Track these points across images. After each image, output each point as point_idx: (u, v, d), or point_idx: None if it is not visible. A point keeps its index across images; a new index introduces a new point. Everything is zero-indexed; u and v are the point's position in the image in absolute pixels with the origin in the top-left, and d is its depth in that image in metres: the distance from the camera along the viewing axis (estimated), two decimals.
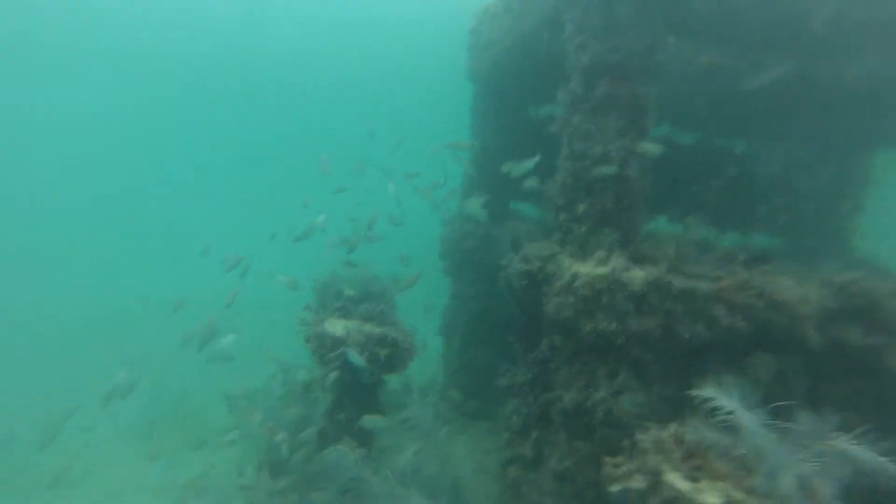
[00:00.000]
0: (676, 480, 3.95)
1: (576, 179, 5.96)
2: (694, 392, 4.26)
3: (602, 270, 5.37)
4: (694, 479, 3.98)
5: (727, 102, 8.45)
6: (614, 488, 4.40)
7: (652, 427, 4.62)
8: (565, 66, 6.39)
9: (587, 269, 5.44)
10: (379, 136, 16.79)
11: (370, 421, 6.44)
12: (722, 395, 4.05)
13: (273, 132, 59.01)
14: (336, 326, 7.03)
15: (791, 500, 3.49)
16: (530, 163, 7.27)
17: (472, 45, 10.28)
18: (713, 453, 4.05)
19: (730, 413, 3.89)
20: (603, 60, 5.70)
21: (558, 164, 6.27)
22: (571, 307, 5.39)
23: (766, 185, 9.02)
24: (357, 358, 6.33)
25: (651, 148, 5.63)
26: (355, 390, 6.86)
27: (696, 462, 4.05)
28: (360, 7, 44.52)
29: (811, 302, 5.53)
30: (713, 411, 4.22)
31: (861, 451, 3.65)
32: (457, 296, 10.47)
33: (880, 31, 6.14)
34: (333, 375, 6.57)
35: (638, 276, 5.29)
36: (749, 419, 3.78)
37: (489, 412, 9.12)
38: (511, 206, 10.94)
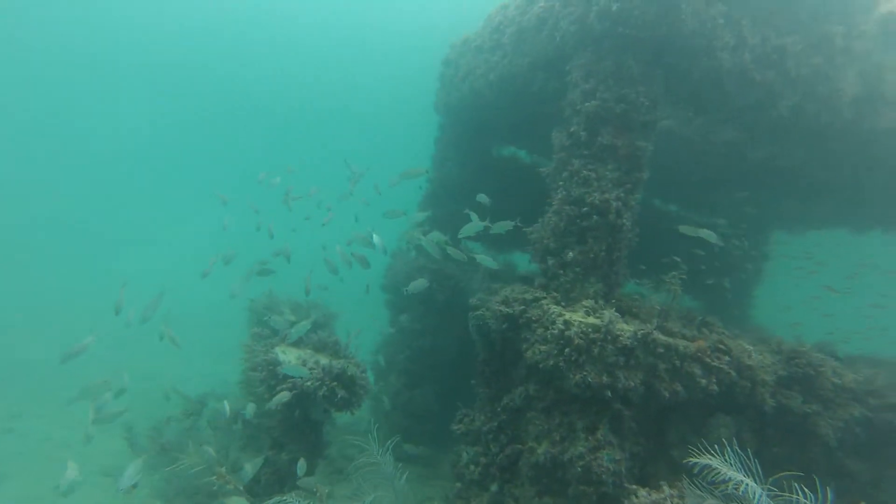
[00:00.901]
0: None
1: (569, 224, 5.85)
2: (693, 460, 4.17)
3: (595, 321, 5.24)
4: None
5: (675, 168, 9.01)
6: None
7: (640, 491, 4.45)
8: (561, 108, 6.40)
9: (579, 317, 5.28)
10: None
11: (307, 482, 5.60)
12: (724, 464, 3.99)
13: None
14: (289, 355, 6.24)
15: None
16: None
17: (445, 76, 10.14)
18: None
19: (734, 483, 3.81)
20: (609, 109, 5.73)
21: (549, 208, 6.15)
22: (559, 356, 5.16)
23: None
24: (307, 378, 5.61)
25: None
26: (301, 427, 6.06)
27: None
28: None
29: (769, 368, 5.81)
30: (702, 476, 4.18)
31: None
32: (400, 331, 9.92)
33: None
34: (279, 410, 5.75)
35: (627, 329, 5.21)
36: (756, 492, 3.71)
37: (427, 457, 8.56)
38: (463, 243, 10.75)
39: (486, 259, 6.92)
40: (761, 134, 7.07)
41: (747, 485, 3.81)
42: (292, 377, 5.79)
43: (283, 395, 5.60)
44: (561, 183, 5.99)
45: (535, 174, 10.95)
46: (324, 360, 6.17)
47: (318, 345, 6.81)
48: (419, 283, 7.54)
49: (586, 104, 5.81)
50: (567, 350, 5.09)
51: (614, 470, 5.07)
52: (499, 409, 6.10)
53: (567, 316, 5.28)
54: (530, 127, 9.34)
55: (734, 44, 5.84)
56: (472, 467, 6.19)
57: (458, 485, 6.41)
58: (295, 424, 5.99)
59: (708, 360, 5.42)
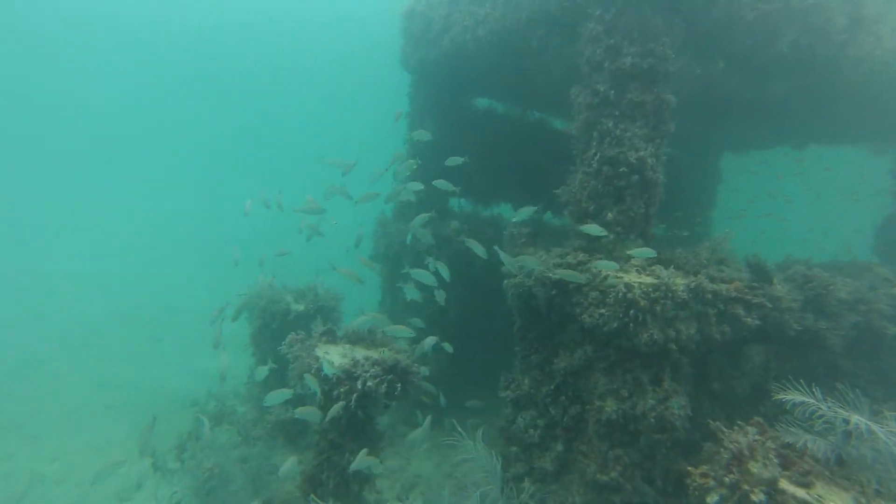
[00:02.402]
0: (796, 490, 4.11)
1: (606, 185, 5.85)
2: (786, 396, 4.51)
3: (652, 279, 5.38)
4: (806, 486, 4.20)
5: None
6: (711, 499, 4.45)
7: (727, 432, 4.79)
8: (576, 64, 6.24)
9: (637, 278, 5.40)
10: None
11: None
12: (816, 399, 4.34)
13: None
14: (333, 354, 5.96)
15: None
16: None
17: (410, 31, 9.51)
18: (809, 458, 4.34)
19: (843, 420, 4.15)
20: (636, 65, 5.64)
21: (582, 168, 6.09)
22: (624, 317, 5.28)
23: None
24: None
25: None
26: (361, 426, 5.91)
27: (801, 468, 4.28)
28: None
29: (793, 296, 6.31)
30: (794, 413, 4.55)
31: None
32: (401, 302, 9.73)
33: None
34: (338, 411, 5.54)
35: (681, 283, 5.41)
36: (875, 427, 4.07)
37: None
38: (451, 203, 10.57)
39: (476, 245, 6.75)
40: (753, 69, 7.27)
41: (853, 420, 4.15)
42: (347, 379, 5.57)
43: (339, 406, 5.41)
44: (593, 144, 5.92)
45: (510, 125, 10.89)
46: (371, 354, 5.97)
47: (353, 337, 6.55)
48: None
49: (614, 62, 5.67)
50: (632, 311, 5.22)
51: (683, 415, 5.41)
52: (552, 372, 6.24)
53: (626, 278, 5.38)
54: (514, 80, 9.10)
55: None
56: (530, 431, 6.38)
57: (514, 449, 6.61)
58: (353, 424, 5.83)
59: (748, 297, 5.78)
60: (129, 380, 11.80)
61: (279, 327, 7.83)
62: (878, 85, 7.87)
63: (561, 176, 6.40)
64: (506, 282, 6.59)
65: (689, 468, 4.74)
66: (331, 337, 6.39)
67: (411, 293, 7.54)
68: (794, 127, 9.85)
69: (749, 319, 5.70)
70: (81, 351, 13.18)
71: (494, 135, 10.43)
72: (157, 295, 19.41)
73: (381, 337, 6.63)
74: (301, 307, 7.94)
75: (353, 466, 5.46)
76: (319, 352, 5.98)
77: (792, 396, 4.52)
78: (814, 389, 4.61)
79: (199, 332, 15.83)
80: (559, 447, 6.12)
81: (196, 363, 12.97)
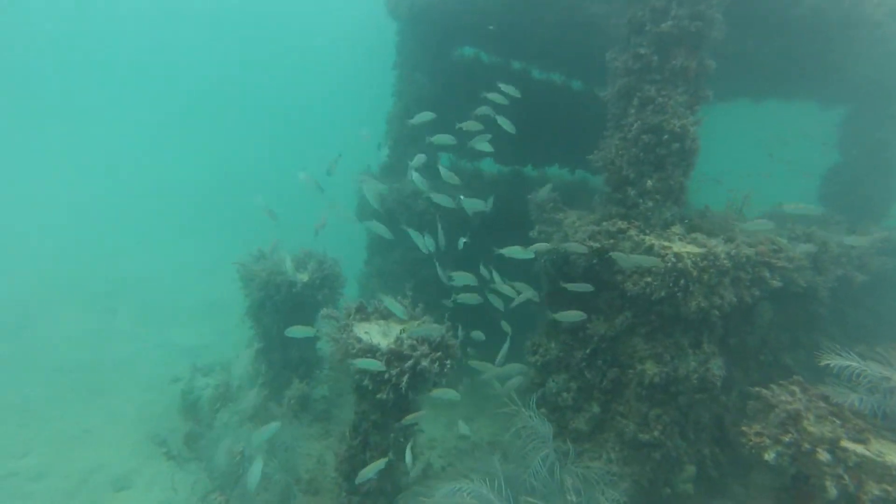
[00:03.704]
0: (855, 447, 4.47)
1: (647, 153, 5.78)
2: (831, 361, 4.85)
3: (698, 249, 5.49)
4: (863, 442, 4.58)
5: None
6: (768, 455, 4.79)
7: (776, 391, 5.11)
8: (612, 25, 5.98)
9: (685, 248, 5.48)
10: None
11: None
12: (858, 362, 4.70)
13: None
14: (373, 334, 5.68)
15: None
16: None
17: None
18: (861, 416, 4.73)
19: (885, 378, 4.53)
20: (683, 28, 5.47)
21: (619, 134, 5.96)
22: (674, 287, 5.39)
23: None
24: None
25: None
26: (402, 408, 5.77)
27: (856, 425, 4.65)
28: None
29: (803, 256, 6.71)
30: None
31: None
32: (400, 261, 9.45)
33: None
34: (388, 397, 5.36)
35: (722, 250, 5.57)
36: None
37: None
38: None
39: (472, 202, 6.54)
40: (770, 28, 7.33)
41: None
42: (396, 360, 5.36)
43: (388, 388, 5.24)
44: (633, 111, 5.78)
45: (496, 76, 10.46)
46: (418, 330, 5.75)
47: (385, 311, 6.27)
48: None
49: (659, 24, 5.47)
50: (683, 281, 5.33)
51: (721, 375, 5.73)
52: (585, 337, 6.34)
53: (675, 248, 5.45)
54: (511, 29, 8.66)
55: None
56: (564, 395, 6.53)
57: (543, 410, 6.77)
58: (399, 404, 5.68)
59: (773, 260, 6.08)
60: (89, 360, 10.78)
61: (283, 299, 7.34)
62: (863, 45, 8.26)
63: (551, 127, 6.19)
64: (537, 246, 6.50)
65: (744, 427, 5.05)
66: (364, 314, 6.08)
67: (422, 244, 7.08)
68: (780, 81, 10.18)
69: (774, 281, 6.01)
70: (23, 333, 11.81)
71: (480, 84, 10.03)
72: (103, 263, 17.61)
73: (412, 309, 6.40)
74: (305, 277, 7.45)
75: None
76: (359, 331, 5.68)
77: (837, 361, 4.86)
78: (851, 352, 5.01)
79: (157, 300, 14.77)
80: (595, 409, 6.33)
81: (161, 335, 12.05)
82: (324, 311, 5.85)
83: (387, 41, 9.72)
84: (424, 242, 6.81)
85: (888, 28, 7.76)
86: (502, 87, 6.40)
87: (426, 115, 6.08)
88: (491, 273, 6.04)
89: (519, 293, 5.87)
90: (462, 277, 6.02)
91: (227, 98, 52.85)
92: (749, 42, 7.76)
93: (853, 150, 11.50)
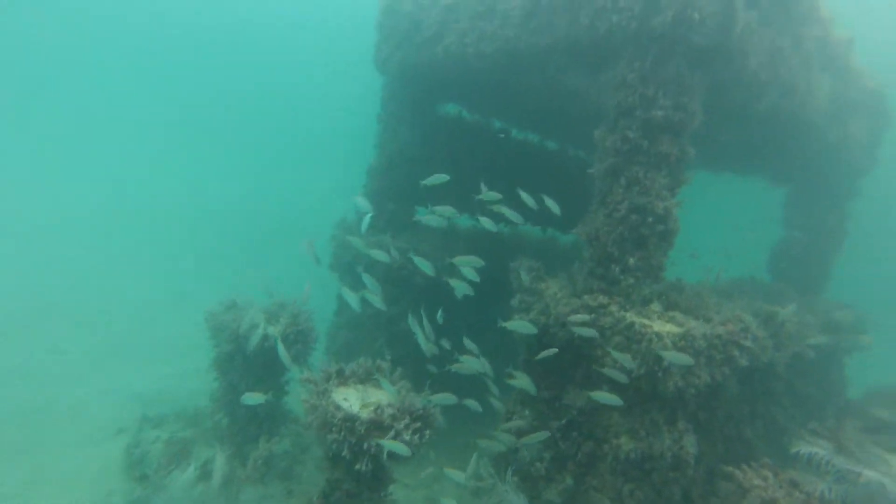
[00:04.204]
0: None
1: (631, 231, 6.00)
2: (800, 450, 5.05)
3: (676, 329, 5.66)
4: None
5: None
6: None
7: (748, 473, 5.25)
8: (603, 107, 6.29)
9: (665, 328, 5.65)
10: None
11: None
12: (829, 452, 4.92)
13: None
14: (351, 400, 5.48)
15: None
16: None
17: (391, 29, 8.88)
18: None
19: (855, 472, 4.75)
20: (669, 118, 5.81)
21: (604, 210, 6.17)
22: (651, 364, 5.51)
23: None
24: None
25: None
26: (377, 477, 5.56)
27: None
28: None
29: (766, 334, 7.05)
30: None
31: None
32: (372, 315, 9.26)
33: None
34: (366, 468, 5.15)
35: (699, 332, 5.77)
36: (885, 480, 4.69)
37: None
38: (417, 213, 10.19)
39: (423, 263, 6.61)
40: (732, 119, 7.89)
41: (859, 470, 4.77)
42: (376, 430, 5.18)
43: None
44: (620, 190, 6.02)
45: (476, 133, 10.72)
46: (398, 400, 5.60)
47: (363, 375, 6.09)
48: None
49: (648, 111, 5.79)
50: (653, 357, 5.47)
51: (694, 452, 5.84)
52: (561, 408, 6.36)
53: (655, 327, 5.61)
54: (501, 95, 8.95)
55: (760, 48, 6.26)
56: (537, 465, 6.47)
57: (515, 479, 6.67)
58: (376, 473, 5.47)
59: (741, 340, 6.34)
60: (23, 405, 9.73)
61: (255, 353, 7.02)
62: (805, 138, 9.08)
63: (525, 185, 6.29)
64: (517, 317, 6.55)
65: None
66: (342, 378, 5.88)
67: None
68: (737, 159, 10.91)
69: (743, 361, 6.26)
70: None
71: (461, 141, 10.27)
72: (63, 290, 16.31)
73: (388, 374, 6.24)
74: (278, 330, 7.17)
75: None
76: (337, 397, 5.47)
77: (808, 449, 5.08)
78: (822, 443, 5.25)
79: (116, 335, 13.77)
80: (569, 480, 6.29)
81: (114, 377, 11.15)
82: (304, 376, 5.60)
83: (370, 90, 9.85)
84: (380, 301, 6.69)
85: (823, 127, 8.61)
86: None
87: (440, 178, 6.10)
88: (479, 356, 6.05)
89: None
90: (470, 362, 5.99)
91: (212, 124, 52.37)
92: (714, 126, 8.31)
93: (794, 228, 12.38)
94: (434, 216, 6.93)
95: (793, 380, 8.71)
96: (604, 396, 5.42)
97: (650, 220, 5.92)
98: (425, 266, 6.39)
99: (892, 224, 25.65)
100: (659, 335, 5.53)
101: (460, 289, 6.50)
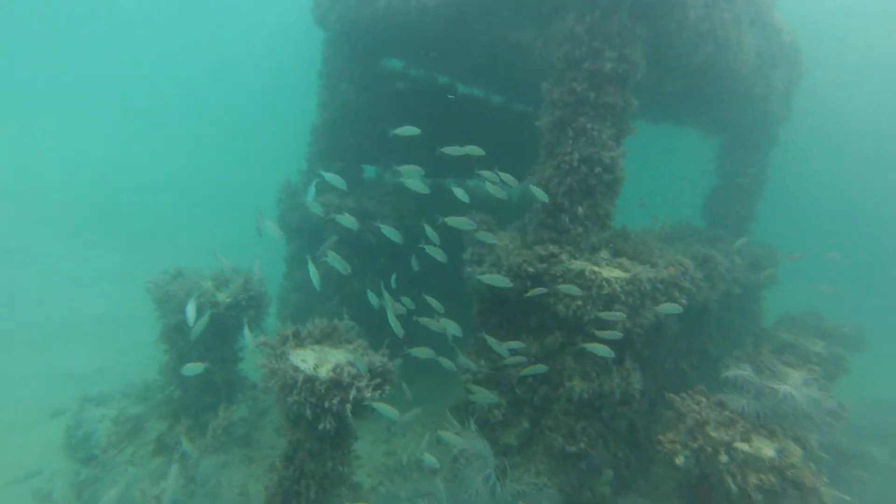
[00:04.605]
0: (742, 445, 5.18)
1: (580, 182, 6.16)
2: (731, 372, 5.54)
3: (624, 274, 5.95)
4: (747, 440, 5.30)
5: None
6: (679, 460, 5.36)
7: (684, 399, 5.72)
8: (550, 57, 6.31)
9: (613, 273, 5.92)
10: None
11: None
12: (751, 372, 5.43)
13: None
14: (309, 361, 5.46)
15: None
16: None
17: None
18: (746, 418, 5.47)
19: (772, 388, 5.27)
20: (614, 70, 5.91)
21: (553, 162, 6.29)
22: (606, 310, 5.80)
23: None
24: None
25: None
26: (342, 435, 5.64)
27: (743, 427, 5.36)
28: None
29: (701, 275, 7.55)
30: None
31: None
32: (325, 277, 9.12)
33: None
34: (329, 426, 5.20)
35: (644, 276, 6.09)
36: (794, 391, 5.23)
37: None
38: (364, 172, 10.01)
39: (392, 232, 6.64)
40: (671, 70, 8.12)
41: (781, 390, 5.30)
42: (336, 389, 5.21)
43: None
44: (569, 141, 6.13)
45: (421, 88, 10.51)
46: (347, 356, 5.64)
47: (319, 335, 6.05)
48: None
49: (595, 63, 5.86)
50: (612, 305, 5.77)
51: (641, 388, 6.27)
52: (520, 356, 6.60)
53: (604, 273, 5.87)
54: (446, 49, 8.77)
55: (697, 1, 6.42)
56: (495, 411, 6.75)
57: (474, 426, 6.95)
58: (340, 432, 5.54)
59: (682, 282, 6.76)
60: None
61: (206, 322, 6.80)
62: (736, 90, 9.52)
63: (471, 140, 6.31)
64: (469, 269, 6.67)
65: (660, 436, 5.59)
66: (298, 340, 5.83)
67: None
68: (674, 110, 11.30)
69: (683, 301, 6.69)
70: None
71: (407, 99, 10.08)
72: None
73: (345, 332, 6.25)
74: (229, 299, 6.96)
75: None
76: (295, 359, 5.43)
77: (734, 372, 5.60)
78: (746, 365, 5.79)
79: (46, 315, 12.83)
80: (525, 424, 6.62)
81: (44, 360, 10.46)
82: (259, 340, 5.51)
83: (312, 47, 9.41)
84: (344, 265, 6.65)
85: (751, 80, 9.05)
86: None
87: (411, 130, 5.96)
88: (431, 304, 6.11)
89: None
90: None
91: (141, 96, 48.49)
92: (654, 78, 8.54)
93: (725, 176, 13.12)
94: (415, 180, 6.84)
95: (721, 314, 9.43)
96: (596, 348, 5.69)
97: (598, 170, 6.09)
98: (393, 234, 6.33)
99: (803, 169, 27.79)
100: (608, 280, 5.81)
101: (390, 232, 6.51)
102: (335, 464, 5.69)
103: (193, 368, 5.99)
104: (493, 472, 5.75)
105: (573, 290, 5.58)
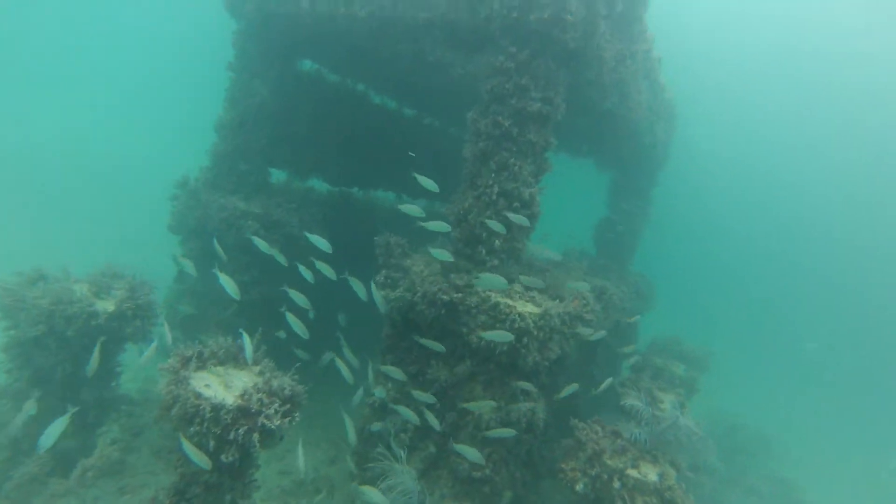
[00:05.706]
0: (631, 471, 5.63)
1: (498, 215, 6.31)
2: (627, 402, 5.98)
3: (536, 309, 6.19)
4: (636, 467, 5.75)
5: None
6: (578, 487, 5.68)
7: (582, 428, 6.08)
8: (477, 88, 6.45)
9: (527, 308, 6.13)
10: None
11: None
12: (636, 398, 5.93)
13: None
14: (215, 387, 4.99)
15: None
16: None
17: None
18: (636, 446, 5.94)
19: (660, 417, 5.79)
20: (538, 109, 6.17)
21: (474, 193, 6.38)
22: (517, 342, 5.97)
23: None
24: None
25: None
26: (244, 465, 5.21)
27: (633, 454, 5.82)
28: None
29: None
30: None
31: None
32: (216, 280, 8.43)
33: None
34: (233, 458, 4.78)
35: (555, 312, 6.39)
36: (682, 419, 5.78)
37: None
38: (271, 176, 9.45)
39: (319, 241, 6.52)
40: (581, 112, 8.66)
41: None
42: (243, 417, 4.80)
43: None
44: (491, 174, 6.26)
45: (337, 94, 10.20)
46: (255, 381, 5.25)
47: (223, 356, 5.55)
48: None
49: (521, 100, 6.07)
50: (524, 339, 5.96)
51: (545, 418, 6.54)
52: (425, 382, 6.59)
53: (518, 307, 6.06)
54: (365, 59, 8.59)
55: (610, 56, 6.92)
56: (402, 435, 6.66)
57: (380, 450, 6.81)
58: (243, 462, 5.11)
59: (585, 315, 7.18)
60: None
61: (76, 335, 5.93)
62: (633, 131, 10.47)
63: (381, 151, 6.29)
64: (383, 293, 6.54)
65: (562, 464, 5.88)
66: (200, 361, 5.30)
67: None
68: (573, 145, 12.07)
69: (588, 331, 7.11)
70: None
71: (323, 102, 9.75)
72: None
73: (250, 355, 5.81)
74: (111, 307, 6.12)
75: None
76: (197, 384, 4.93)
77: (632, 402, 6.06)
78: (643, 395, 6.30)
79: None
80: (432, 449, 6.61)
81: None
82: (162, 366, 4.94)
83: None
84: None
85: (643, 128, 10.02)
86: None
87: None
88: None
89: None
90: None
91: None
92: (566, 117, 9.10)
93: (615, 210, 14.31)
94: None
95: (609, 340, 10.20)
96: (497, 335, 5.78)
97: (516, 205, 6.30)
98: (322, 243, 6.03)
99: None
100: (522, 315, 6.01)
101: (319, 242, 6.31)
102: (234, 496, 5.25)
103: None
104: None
105: (506, 336, 5.70)
